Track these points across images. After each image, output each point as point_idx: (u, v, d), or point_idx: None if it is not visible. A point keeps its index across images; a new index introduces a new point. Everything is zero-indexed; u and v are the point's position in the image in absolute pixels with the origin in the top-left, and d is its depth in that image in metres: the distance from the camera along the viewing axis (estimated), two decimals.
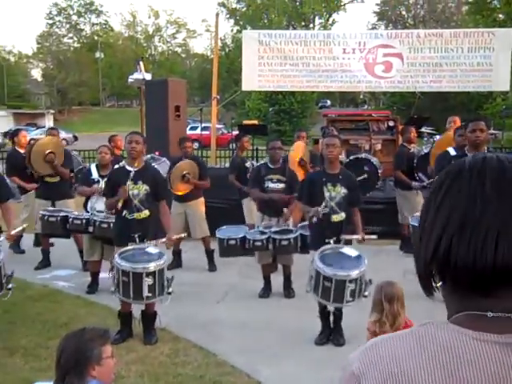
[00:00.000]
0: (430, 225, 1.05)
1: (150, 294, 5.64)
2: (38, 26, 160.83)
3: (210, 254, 8.66)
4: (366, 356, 1.07)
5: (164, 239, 6.12)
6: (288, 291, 7.43)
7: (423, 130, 11.75)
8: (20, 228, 6.47)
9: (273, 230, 7.21)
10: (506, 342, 0.98)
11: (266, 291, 7.44)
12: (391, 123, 12.49)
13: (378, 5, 65.72)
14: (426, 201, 1.09)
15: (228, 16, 66.42)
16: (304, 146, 9.55)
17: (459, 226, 1.00)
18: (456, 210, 1.01)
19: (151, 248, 5.88)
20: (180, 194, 8.52)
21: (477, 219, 0.98)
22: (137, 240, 5.89)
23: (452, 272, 1.01)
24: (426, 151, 9.20)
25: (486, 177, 1.01)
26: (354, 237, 6.03)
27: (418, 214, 8.12)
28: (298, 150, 9.13)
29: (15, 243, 9.62)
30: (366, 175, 9.57)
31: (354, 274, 5.52)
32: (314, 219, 6.04)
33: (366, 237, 6.09)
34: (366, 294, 5.53)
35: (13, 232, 6.08)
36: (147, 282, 5.58)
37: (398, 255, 9.11)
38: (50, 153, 8.61)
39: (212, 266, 8.66)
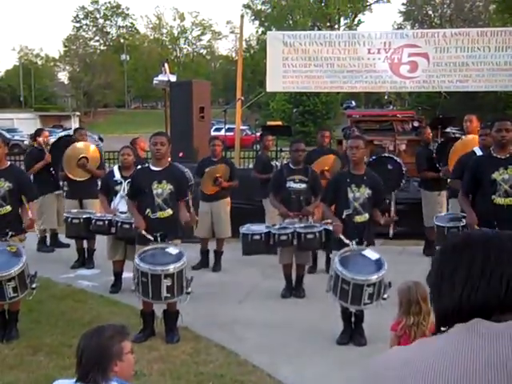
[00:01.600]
0: (450, 280, 1.31)
1: (168, 295, 5.67)
2: (65, 30, 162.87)
3: (219, 254, 8.79)
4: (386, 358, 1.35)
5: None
6: (298, 291, 7.42)
7: (449, 130, 11.65)
8: (41, 227, 6.51)
9: (297, 225, 7.17)
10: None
11: (288, 291, 7.42)
12: (416, 123, 12.40)
13: (404, 4, 65.22)
14: (438, 261, 1.39)
15: (253, 17, 66.55)
16: (333, 160, 8.92)
17: (478, 276, 1.29)
18: (473, 267, 1.30)
19: (171, 248, 5.88)
20: (208, 193, 8.64)
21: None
22: (158, 239, 5.91)
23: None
24: (442, 139, 9.24)
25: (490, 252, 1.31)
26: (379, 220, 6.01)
27: (443, 213, 8.08)
28: (325, 164, 8.73)
29: (42, 242, 9.77)
30: (389, 166, 9.50)
31: (373, 278, 5.49)
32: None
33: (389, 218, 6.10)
34: (385, 296, 5.52)
35: (31, 223, 6.12)
36: (165, 283, 5.62)
37: (421, 256, 9.04)
38: (82, 157, 8.84)
39: (217, 267, 8.73)
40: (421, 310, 3.99)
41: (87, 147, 9.27)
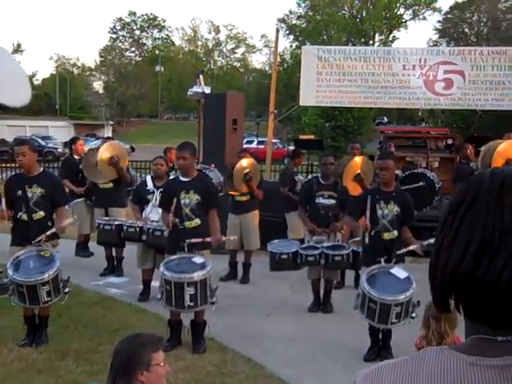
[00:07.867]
0: (450, 243, 1.01)
1: (191, 304, 5.70)
2: (102, 40, 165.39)
3: (247, 266, 8.80)
4: (367, 379, 1.08)
5: (209, 238, 6.03)
6: (326, 306, 7.39)
7: (483, 148, 11.49)
8: (69, 220, 6.53)
9: (325, 245, 7.14)
10: (502, 364, 0.94)
11: (316, 306, 7.39)
12: (450, 141, 12.28)
13: (439, 22, 64.89)
14: (443, 220, 1.06)
15: (287, 32, 66.73)
16: (363, 161, 8.79)
17: (479, 249, 0.97)
18: (476, 232, 0.98)
19: (197, 257, 5.89)
20: (241, 191, 8.62)
21: (496, 248, 0.95)
22: (185, 249, 5.93)
23: (469, 290, 0.98)
24: None
25: (505, 204, 0.97)
26: (412, 247, 5.88)
27: None
28: (355, 166, 8.76)
29: (83, 246, 9.91)
30: (421, 183, 9.41)
31: (400, 298, 5.45)
32: (366, 240, 5.96)
33: (425, 242, 5.86)
34: (414, 315, 5.46)
35: (62, 224, 6.19)
36: (189, 291, 5.65)
37: None
38: (114, 156, 8.85)
39: (245, 279, 8.72)
40: (429, 326, 4.01)
41: (118, 147, 9.33)
